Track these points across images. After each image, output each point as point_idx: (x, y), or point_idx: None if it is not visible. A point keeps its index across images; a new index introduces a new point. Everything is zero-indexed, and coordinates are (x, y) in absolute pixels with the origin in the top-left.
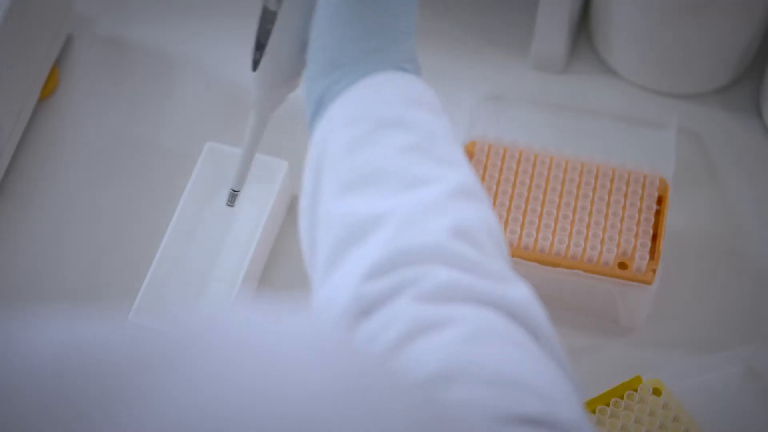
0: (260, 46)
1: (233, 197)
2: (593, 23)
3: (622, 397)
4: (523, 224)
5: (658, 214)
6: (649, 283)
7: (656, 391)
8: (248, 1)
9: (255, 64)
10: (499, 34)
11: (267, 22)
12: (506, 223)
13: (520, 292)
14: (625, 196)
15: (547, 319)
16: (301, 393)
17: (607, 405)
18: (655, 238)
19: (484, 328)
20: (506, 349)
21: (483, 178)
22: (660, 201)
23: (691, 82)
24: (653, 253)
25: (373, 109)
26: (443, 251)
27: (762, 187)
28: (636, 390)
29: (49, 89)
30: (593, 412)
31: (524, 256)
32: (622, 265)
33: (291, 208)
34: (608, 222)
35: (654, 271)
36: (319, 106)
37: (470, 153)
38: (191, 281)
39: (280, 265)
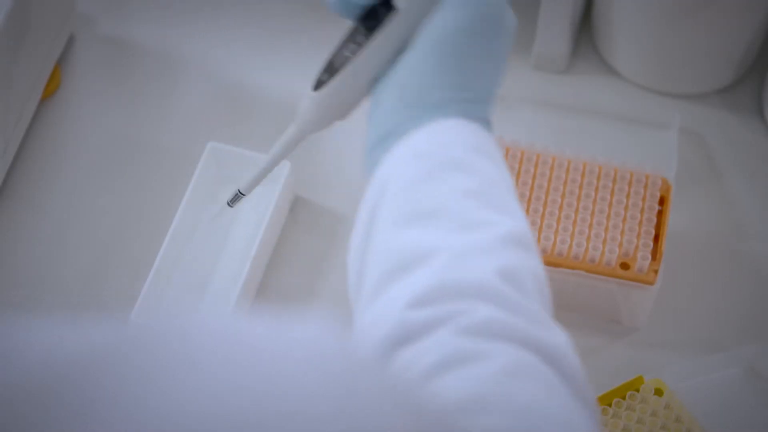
0: (332, 70)
1: (237, 199)
2: (595, 23)
3: (624, 398)
4: None
5: (660, 214)
6: (651, 283)
7: (658, 392)
8: (249, 1)
9: (318, 84)
10: None
11: (347, 48)
12: None
13: (558, 338)
14: (627, 196)
15: (581, 369)
16: (298, 402)
17: (609, 405)
18: (657, 238)
19: (518, 366)
20: (537, 388)
21: None
22: (662, 201)
23: (693, 83)
24: (655, 253)
25: (439, 150)
26: (488, 289)
27: (764, 187)
28: (638, 390)
29: (50, 89)
30: None
31: None
32: (624, 266)
33: (293, 209)
34: (610, 222)
35: (656, 271)
36: (383, 140)
37: None
38: (193, 281)
39: (282, 266)
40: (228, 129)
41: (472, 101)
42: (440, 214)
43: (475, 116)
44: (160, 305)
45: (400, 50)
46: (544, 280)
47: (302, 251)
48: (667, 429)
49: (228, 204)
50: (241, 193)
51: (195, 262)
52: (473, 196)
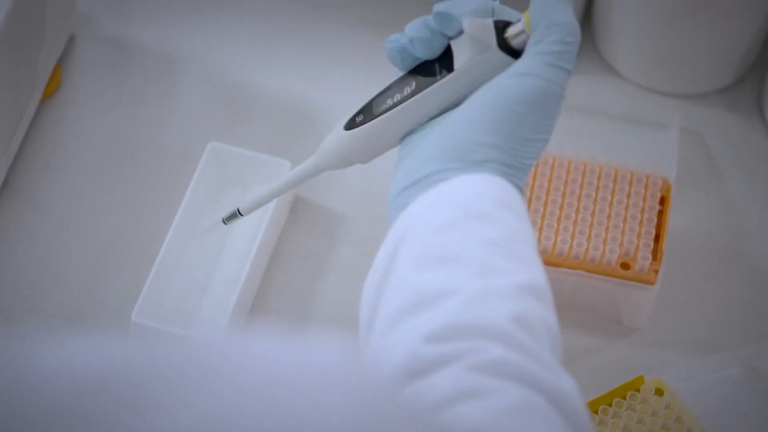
0: (369, 113)
1: (233, 218)
2: (596, 23)
3: (624, 398)
4: None
5: (661, 214)
6: (651, 283)
7: (658, 392)
8: (250, 1)
9: (351, 125)
10: None
11: (392, 96)
12: None
13: (567, 384)
14: (628, 196)
15: (588, 414)
16: (314, 419)
17: (610, 405)
18: (657, 238)
19: (524, 405)
20: (542, 428)
21: None
22: (662, 201)
23: (693, 83)
24: (656, 253)
25: (467, 200)
26: (502, 332)
27: (764, 187)
28: (638, 390)
29: (51, 89)
30: (595, 412)
31: None
32: (625, 266)
33: (293, 209)
34: (611, 222)
35: (656, 271)
36: (414, 185)
37: None
38: (194, 281)
39: (282, 266)
40: (228, 129)
41: (512, 167)
42: (461, 259)
43: (510, 180)
44: (161, 305)
45: (443, 110)
46: (557, 332)
47: (302, 251)
48: (667, 429)
49: (223, 221)
50: (239, 213)
51: (195, 261)
52: (495, 246)
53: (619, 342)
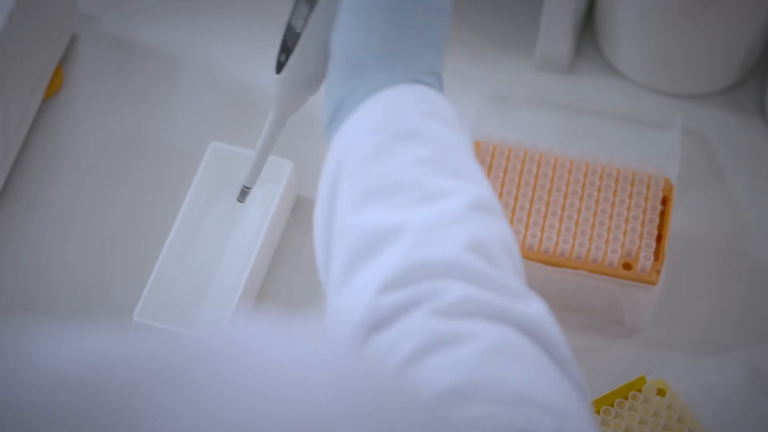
0: (287, 49)
1: (244, 194)
2: (598, 23)
3: (626, 398)
4: (527, 225)
5: (663, 214)
6: (653, 283)
7: (660, 392)
8: (252, 1)
9: (280, 67)
10: (504, 34)
11: (296, 24)
12: (511, 223)
13: (535, 308)
14: (630, 196)
15: (561, 335)
16: (314, 414)
17: (612, 405)
18: (659, 238)
19: (498, 345)
20: (520, 367)
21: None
22: (664, 201)
23: (695, 83)
24: (658, 253)
25: (391, 120)
26: (459, 266)
27: (766, 187)
28: (640, 390)
29: (53, 89)
30: (597, 412)
31: (528, 256)
32: (627, 266)
33: (296, 208)
34: (613, 222)
35: (658, 271)
36: (336, 113)
37: (475, 153)
38: (195, 281)
39: (284, 265)
40: (231, 129)
41: (414, 56)
42: (399, 188)
43: (421, 72)
44: (163, 304)
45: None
46: (514, 244)
47: (304, 251)
48: (669, 429)
49: (238, 200)
50: (246, 187)
51: (197, 262)
52: (430, 165)
53: (620, 342)
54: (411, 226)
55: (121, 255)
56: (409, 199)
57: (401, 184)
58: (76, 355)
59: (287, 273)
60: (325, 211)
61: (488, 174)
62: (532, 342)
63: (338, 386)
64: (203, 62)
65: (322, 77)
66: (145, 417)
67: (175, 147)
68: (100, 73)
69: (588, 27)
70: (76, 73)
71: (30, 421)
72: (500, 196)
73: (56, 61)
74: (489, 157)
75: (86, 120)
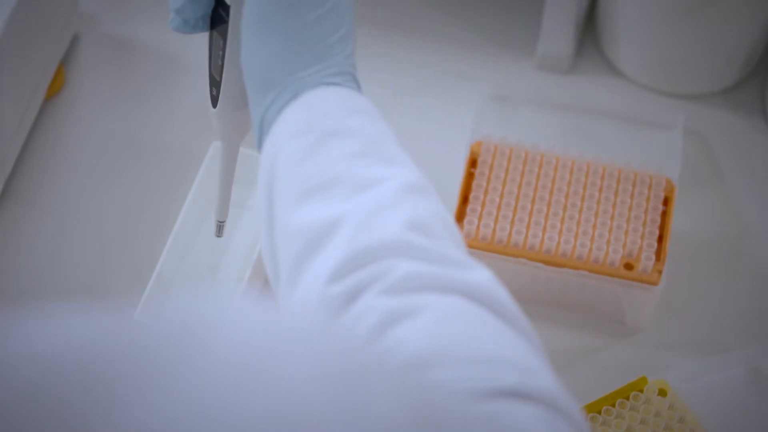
0: (215, 83)
1: (220, 228)
2: (599, 24)
3: (627, 398)
4: (528, 225)
5: (664, 214)
6: (654, 283)
7: (662, 392)
8: None
9: (214, 101)
10: (505, 34)
11: (217, 57)
12: (512, 223)
13: (480, 275)
14: (631, 196)
15: (510, 298)
16: (294, 388)
17: (613, 406)
18: (660, 238)
19: (450, 312)
20: (474, 330)
21: (489, 179)
22: (666, 202)
23: (696, 83)
24: (659, 253)
25: (314, 121)
26: (401, 245)
27: (767, 187)
28: (641, 391)
29: (55, 88)
30: (599, 412)
31: (530, 256)
32: (628, 266)
33: None
34: (614, 223)
35: (660, 271)
36: (261, 129)
37: (476, 153)
38: (197, 281)
39: None
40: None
41: (322, 60)
42: (333, 183)
43: (333, 74)
44: (164, 303)
45: None
46: (450, 220)
47: None
48: (670, 429)
49: (217, 236)
50: (220, 221)
51: (198, 261)
52: (360, 156)
53: (622, 342)
54: (349, 215)
55: (123, 255)
56: (344, 192)
57: (334, 178)
58: (48, 340)
59: None
60: (265, 217)
61: (489, 174)
62: (482, 307)
63: (314, 357)
64: (205, 62)
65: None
66: (124, 405)
67: (176, 147)
68: (101, 73)
69: (589, 27)
70: (77, 73)
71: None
72: (501, 196)
73: (57, 61)
74: (490, 157)
75: (88, 120)
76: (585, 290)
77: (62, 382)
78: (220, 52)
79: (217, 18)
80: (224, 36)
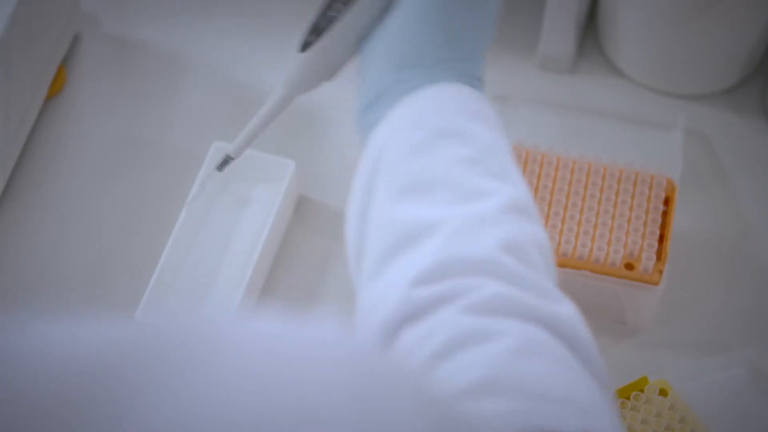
0: (317, 31)
1: (226, 163)
2: (600, 24)
3: (628, 398)
4: None
5: (665, 214)
6: (655, 283)
7: (663, 392)
8: (254, 0)
9: (305, 46)
10: (506, 34)
11: (333, 10)
12: None
13: (566, 309)
14: (632, 196)
15: (590, 337)
16: (320, 406)
17: None
18: (661, 238)
19: (527, 343)
20: (547, 364)
21: None
22: (667, 202)
23: (698, 83)
24: (660, 253)
25: (435, 117)
26: (493, 264)
27: None
28: (642, 391)
29: (55, 88)
30: None
31: None
32: (629, 266)
33: (298, 208)
34: (615, 222)
35: (661, 271)
36: (375, 103)
37: None
38: (198, 281)
39: (286, 265)
40: (233, 128)
41: (463, 60)
42: (438, 185)
43: (467, 75)
44: (164, 305)
45: (386, 8)
46: (548, 247)
47: (306, 251)
48: (671, 429)
49: (217, 169)
50: (230, 157)
51: (199, 261)
52: (470, 165)
53: (623, 342)
54: (448, 222)
55: (124, 255)
56: (447, 197)
57: (441, 181)
58: (75, 344)
59: (290, 272)
60: (360, 203)
61: None
62: (561, 342)
63: (332, 363)
64: (206, 62)
65: (340, 68)
66: (144, 404)
67: (177, 147)
68: (102, 73)
69: (590, 27)
70: (78, 73)
71: (27, 411)
72: None
73: (58, 61)
74: None
75: (88, 120)
76: (586, 290)
77: (85, 385)
78: (338, 5)
79: None
80: None
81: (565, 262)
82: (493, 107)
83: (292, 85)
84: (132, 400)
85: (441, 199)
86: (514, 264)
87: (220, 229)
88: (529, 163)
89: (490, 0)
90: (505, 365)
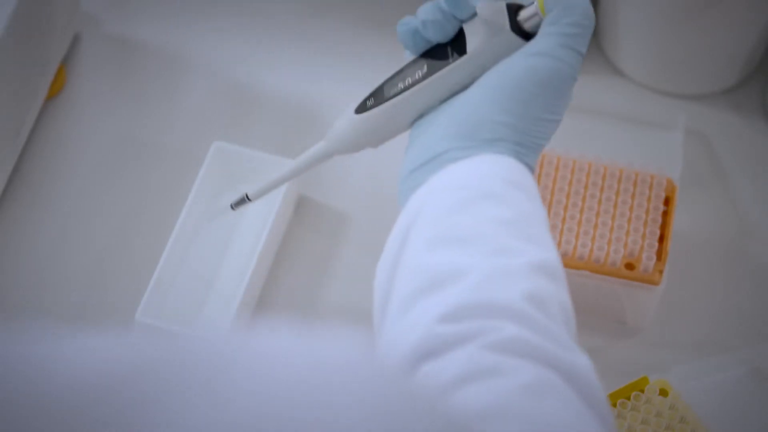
0: (379, 97)
1: (242, 203)
2: (601, 24)
3: (628, 398)
4: None
5: (665, 214)
6: (656, 283)
7: (663, 392)
8: (254, 0)
9: (362, 108)
10: None
11: (402, 81)
12: None
13: (581, 360)
14: (633, 196)
15: (603, 392)
16: (345, 424)
17: (614, 406)
18: (662, 238)
19: (539, 383)
20: (557, 406)
21: None
22: (667, 202)
23: (698, 83)
24: (660, 253)
25: (478, 182)
26: (516, 311)
27: None
28: (643, 391)
29: (56, 89)
30: None
31: None
32: (629, 266)
33: (298, 208)
34: (615, 222)
35: (661, 271)
36: (425, 165)
37: None
38: (197, 281)
39: (286, 265)
40: (234, 128)
41: (523, 146)
42: (473, 239)
43: (522, 160)
44: (165, 304)
45: (454, 93)
46: (571, 311)
47: (307, 251)
48: (671, 429)
49: (231, 207)
50: (248, 198)
51: (199, 262)
52: (507, 225)
53: (623, 342)
54: (477, 269)
55: (124, 254)
56: (481, 250)
57: (476, 236)
58: (82, 360)
59: (290, 272)
60: (394, 253)
61: None
62: (572, 389)
63: (350, 389)
64: (206, 62)
65: (389, 138)
66: (152, 423)
67: (177, 147)
68: (102, 73)
69: None
70: (78, 73)
71: (39, 426)
72: None
73: (58, 61)
74: None
75: (89, 120)
76: (586, 290)
77: (92, 402)
78: (409, 79)
79: (438, 51)
80: (431, 71)
81: (565, 262)
82: (534, 181)
83: (338, 143)
84: (135, 420)
85: (474, 251)
86: (536, 314)
87: (221, 230)
88: None
89: (565, 102)
90: (514, 398)
